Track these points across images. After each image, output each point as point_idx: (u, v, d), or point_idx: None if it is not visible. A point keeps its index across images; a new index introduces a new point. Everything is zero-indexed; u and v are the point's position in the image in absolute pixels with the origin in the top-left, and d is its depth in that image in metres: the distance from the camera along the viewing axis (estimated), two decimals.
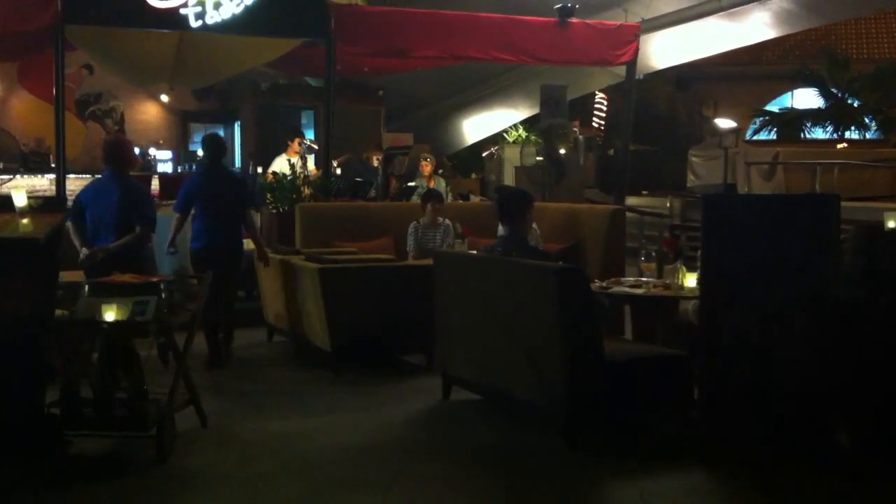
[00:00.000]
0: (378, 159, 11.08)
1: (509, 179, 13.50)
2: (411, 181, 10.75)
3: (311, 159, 10.48)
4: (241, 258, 6.80)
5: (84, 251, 5.95)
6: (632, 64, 10.58)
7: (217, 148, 6.79)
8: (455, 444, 4.79)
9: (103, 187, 6.08)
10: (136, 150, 11.36)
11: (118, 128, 15.38)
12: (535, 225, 7.44)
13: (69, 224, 5.89)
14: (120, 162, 6.11)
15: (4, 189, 10.31)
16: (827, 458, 4.41)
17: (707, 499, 4.16)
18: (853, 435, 4.59)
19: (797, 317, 4.37)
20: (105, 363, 4.52)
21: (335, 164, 10.02)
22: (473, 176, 16.00)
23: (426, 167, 10.46)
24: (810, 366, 4.39)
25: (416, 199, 10.00)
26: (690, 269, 5.48)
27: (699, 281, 4.70)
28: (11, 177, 11.37)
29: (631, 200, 12.19)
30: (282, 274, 6.93)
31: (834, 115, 20.28)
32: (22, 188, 5.08)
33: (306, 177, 9.26)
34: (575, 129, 12.67)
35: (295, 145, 10.26)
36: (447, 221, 7.87)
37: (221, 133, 16.23)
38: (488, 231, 7.14)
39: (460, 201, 10.82)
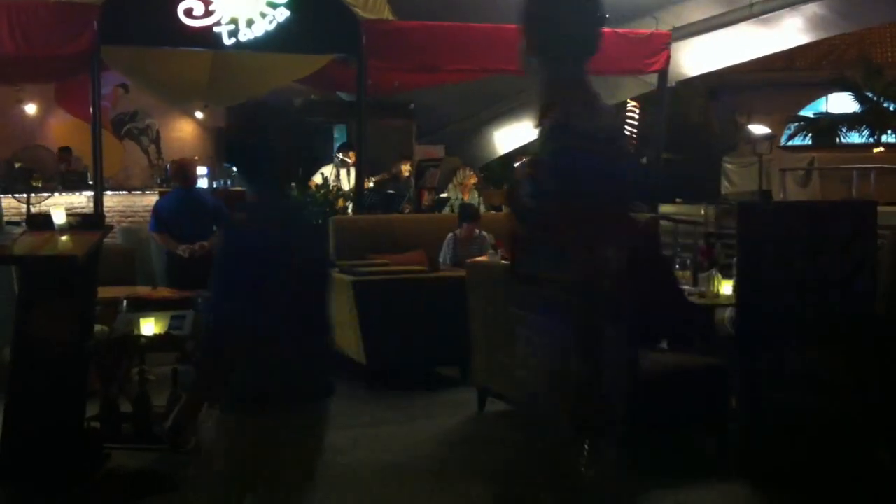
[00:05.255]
0: (408, 171, 11.11)
1: None
2: (443, 193, 10.79)
3: (343, 173, 10.54)
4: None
5: (185, 248, 6.73)
6: (663, 72, 10.53)
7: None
8: (489, 461, 4.77)
9: (188, 200, 7.03)
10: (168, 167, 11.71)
11: (154, 145, 15.61)
12: None
13: (155, 234, 7.13)
14: (191, 179, 7.33)
15: (43, 207, 10.49)
16: (866, 474, 4.32)
17: None
18: (894, 452, 4.50)
19: (834, 332, 4.31)
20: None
21: (374, 181, 10.06)
22: (505, 187, 15.97)
23: (471, 179, 10.50)
24: (848, 382, 4.32)
25: (448, 210, 10.04)
26: (726, 277, 5.43)
27: (735, 289, 4.66)
28: (50, 194, 11.56)
29: (664, 209, 12.10)
30: None
31: (870, 119, 20.00)
32: (60, 206, 5.16)
33: (339, 189, 9.32)
34: None
35: (352, 156, 10.12)
36: (483, 233, 7.89)
37: None
38: None
39: (492, 212, 10.82)
